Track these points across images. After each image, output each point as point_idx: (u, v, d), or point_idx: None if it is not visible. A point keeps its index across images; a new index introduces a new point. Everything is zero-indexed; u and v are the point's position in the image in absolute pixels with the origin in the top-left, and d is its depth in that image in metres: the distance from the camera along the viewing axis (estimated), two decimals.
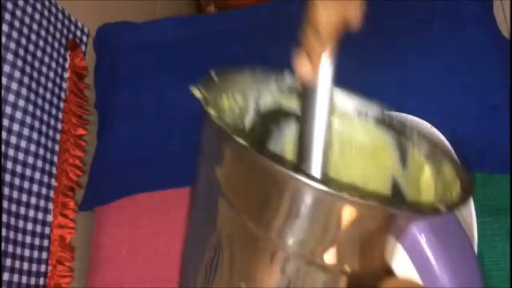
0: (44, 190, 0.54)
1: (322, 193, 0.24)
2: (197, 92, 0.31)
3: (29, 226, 0.52)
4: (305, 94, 0.28)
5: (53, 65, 0.58)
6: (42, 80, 0.56)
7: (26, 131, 0.52)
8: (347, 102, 0.39)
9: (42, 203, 0.54)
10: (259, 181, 0.27)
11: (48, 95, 0.57)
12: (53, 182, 0.56)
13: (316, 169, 0.29)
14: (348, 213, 0.25)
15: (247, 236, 0.28)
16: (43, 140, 0.55)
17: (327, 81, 0.27)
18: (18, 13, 0.52)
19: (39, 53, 0.55)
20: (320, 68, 0.27)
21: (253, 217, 0.27)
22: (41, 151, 0.54)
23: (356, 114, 0.39)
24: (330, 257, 0.26)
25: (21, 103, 0.51)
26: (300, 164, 0.29)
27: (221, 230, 0.30)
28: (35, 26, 0.55)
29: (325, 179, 0.28)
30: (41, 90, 0.55)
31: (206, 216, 0.31)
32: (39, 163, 0.54)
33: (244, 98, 0.37)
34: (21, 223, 0.50)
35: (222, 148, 0.29)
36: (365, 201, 0.24)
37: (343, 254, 0.26)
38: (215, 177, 0.29)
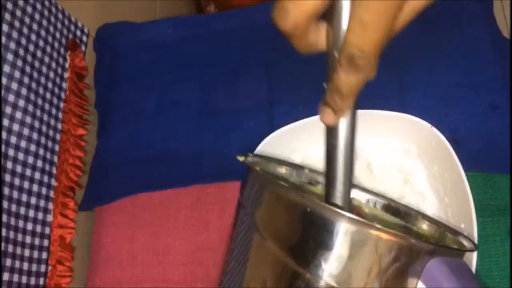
0: (44, 190, 0.54)
1: (354, 223, 0.28)
2: (241, 158, 0.39)
3: (29, 226, 0.52)
4: (328, 132, 0.30)
5: (53, 65, 0.58)
6: (42, 80, 0.56)
7: (26, 131, 0.52)
8: (358, 193, 0.45)
9: (42, 203, 0.54)
10: (291, 215, 0.31)
11: (48, 95, 0.57)
12: (53, 182, 0.56)
13: (344, 196, 0.32)
14: (381, 246, 0.28)
15: (278, 266, 0.31)
16: (43, 140, 0.55)
17: (350, 125, 0.30)
18: (18, 13, 0.52)
19: (39, 53, 0.55)
20: (343, 117, 0.29)
21: (285, 248, 0.31)
22: (41, 151, 0.54)
23: (366, 201, 0.45)
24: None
25: (21, 103, 0.51)
26: (328, 189, 0.32)
27: (254, 262, 0.34)
28: (35, 26, 0.55)
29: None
30: (41, 90, 0.55)
31: (242, 251, 0.36)
32: (39, 163, 0.54)
33: None
34: (21, 223, 0.50)
35: (263, 193, 0.34)
36: (396, 233, 0.28)
37: None
38: (253, 220, 0.34)
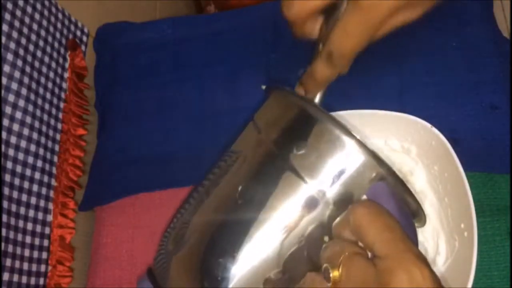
0: (44, 190, 0.54)
1: (333, 123, 0.32)
2: (263, 86, 0.47)
3: (29, 226, 0.52)
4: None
5: (53, 65, 0.58)
6: (42, 80, 0.56)
7: (26, 131, 0.52)
8: None
9: (42, 203, 0.54)
10: (289, 114, 0.36)
11: (48, 95, 0.57)
12: (53, 182, 0.56)
13: None
14: (345, 148, 0.32)
15: (262, 150, 0.37)
16: (43, 140, 0.55)
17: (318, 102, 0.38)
18: (18, 13, 0.52)
19: (39, 53, 0.55)
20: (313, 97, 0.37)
21: (274, 139, 0.36)
22: (41, 151, 0.54)
23: None
24: (324, 181, 0.32)
25: (21, 103, 0.51)
26: None
27: (242, 148, 0.40)
28: (35, 26, 0.55)
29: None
30: (41, 90, 0.55)
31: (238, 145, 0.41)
32: (39, 163, 0.54)
33: None
34: (21, 223, 0.50)
35: (270, 100, 0.39)
36: (364, 143, 0.31)
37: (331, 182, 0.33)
38: (255, 121, 0.39)
